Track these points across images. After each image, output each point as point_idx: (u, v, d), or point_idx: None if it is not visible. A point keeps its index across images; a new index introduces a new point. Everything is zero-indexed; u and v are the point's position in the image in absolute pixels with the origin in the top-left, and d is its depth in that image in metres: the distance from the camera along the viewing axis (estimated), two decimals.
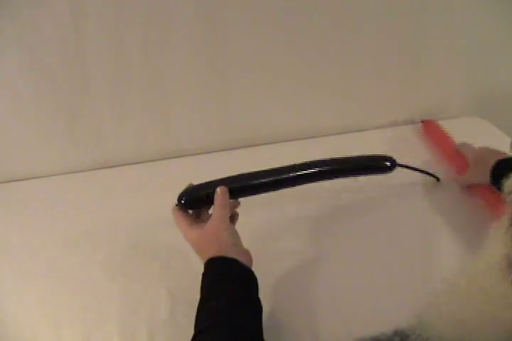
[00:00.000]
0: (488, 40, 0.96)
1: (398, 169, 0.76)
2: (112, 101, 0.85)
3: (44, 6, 0.71)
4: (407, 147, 0.81)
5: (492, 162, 0.72)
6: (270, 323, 0.59)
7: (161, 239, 0.75)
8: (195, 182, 0.66)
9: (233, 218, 0.65)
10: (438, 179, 0.85)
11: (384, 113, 1.04)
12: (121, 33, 0.77)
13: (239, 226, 0.63)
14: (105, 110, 0.86)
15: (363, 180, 0.78)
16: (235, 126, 0.96)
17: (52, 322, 0.64)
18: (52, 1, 0.71)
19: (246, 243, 0.60)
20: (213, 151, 0.96)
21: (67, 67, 0.78)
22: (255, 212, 0.72)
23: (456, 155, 0.88)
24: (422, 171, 0.83)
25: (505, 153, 0.75)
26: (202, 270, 0.55)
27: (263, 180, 0.66)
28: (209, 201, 0.61)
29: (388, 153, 0.76)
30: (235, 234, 0.58)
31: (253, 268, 0.56)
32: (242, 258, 0.54)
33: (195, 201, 0.64)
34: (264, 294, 0.55)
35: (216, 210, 0.58)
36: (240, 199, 0.66)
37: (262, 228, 0.77)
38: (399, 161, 0.76)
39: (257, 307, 0.52)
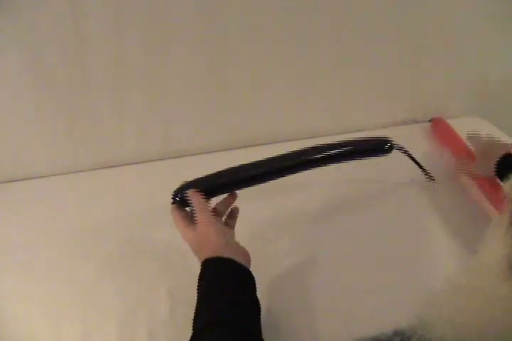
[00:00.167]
0: (488, 40, 0.96)
1: (397, 166, 0.75)
2: (111, 101, 0.85)
3: (44, 6, 0.71)
4: (408, 147, 0.81)
5: (498, 155, 0.71)
6: (270, 323, 0.59)
7: (161, 239, 0.75)
8: None
9: (232, 215, 0.64)
10: (432, 178, 0.85)
11: (384, 113, 1.04)
12: (121, 33, 0.77)
13: (237, 222, 0.63)
14: (105, 110, 0.86)
15: (363, 178, 0.77)
16: (235, 126, 0.96)
17: (52, 322, 0.64)
18: (52, 1, 0.71)
19: (244, 242, 0.60)
20: (213, 151, 0.96)
21: (67, 67, 0.78)
22: (253, 212, 0.71)
23: (468, 155, 0.88)
24: (418, 165, 0.82)
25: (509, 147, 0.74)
26: None
27: (258, 171, 0.65)
28: (205, 196, 0.61)
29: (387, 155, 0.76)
30: (226, 235, 0.58)
31: (252, 268, 0.56)
32: (238, 258, 0.54)
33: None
34: (263, 294, 0.55)
35: (198, 214, 0.58)
36: (239, 198, 0.66)
37: (260, 227, 0.77)
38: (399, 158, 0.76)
39: (254, 306, 0.52)
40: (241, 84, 0.90)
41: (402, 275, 0.68)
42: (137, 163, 0.94)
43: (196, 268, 0.58)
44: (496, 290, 0.33)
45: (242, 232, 0.61)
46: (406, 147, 0.78)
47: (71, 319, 0.64)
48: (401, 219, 0.79)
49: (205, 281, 0.53)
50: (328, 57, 0.91)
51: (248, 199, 0.67)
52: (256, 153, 0.73)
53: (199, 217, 0.58)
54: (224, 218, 0.64)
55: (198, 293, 0.52)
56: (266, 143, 0.98)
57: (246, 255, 0.57)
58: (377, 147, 0.73)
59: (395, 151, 0.75)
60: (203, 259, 0.55)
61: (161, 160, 0.95)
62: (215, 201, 0.66)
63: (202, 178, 0.64)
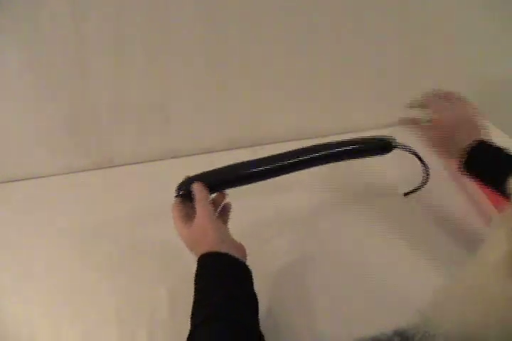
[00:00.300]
0: (488, 41, 0.96)
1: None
2: (112, 101, 0.85)
3: (44, 6, 0.71)
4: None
5: (466, 140, 0.65)
6: (270, 323, 0.59)
7: (161, 239, 0.75)
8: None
9: (225, 210, 0.64)
10: (428, 172, 0.84)
11: (384, 113, 1.04)
12: (121, 32, 0.77)
13: (235, 222, 0.63)
14: (105, 110, 0.86)
15: (361, 177, 0.77)
16: (235, 126, 0.96)
17: (52, 322, 0.64)
18: (52, 1, 0.71)
19: (244, 241, 0.59)
20: (213, 151, 0.97)
21: (67, 67, 0.78)
22: (249, 211, 0.71)
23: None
24: (419, 158, 0.82)
25: (479, 129, 0.68)
26: None
27: (262, 167, 0.65)
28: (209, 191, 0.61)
29: (388, 153, 0.76)
30: (222, 229, 0.58)
31: (251, 267, 0.56)
32: (234, 252, 0.54)
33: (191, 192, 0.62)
34: (263, 293, 0.55)
35: (198, 208, 0.58)
36: (236, 197, 0.66)
37: (258, 226, 0.77)
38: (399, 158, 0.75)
39: (252, 300, 0.52)
40: (241, 84, 0.90)
41: (402, 275, 0.68)
42: (137, 163, 0.94)
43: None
44: (501, 287, 0.33)
45: (239, 230, 0.61)
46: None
47: (71, 319, 0.64)
48: (400, 217, 0.79)
49: (201, 276, 0.53)
50: (328, 57, 0.91)
51: (244, 198, 0.67)
52: (256, 153, 0.73)
53: (199, 210, 0.57)
54: (216, 214, 0.64)
55: (195, 289, 0.52)
56: (266, 143, 0.98)
57: (242, 249, 0.57)
58: (380, 146, 0.72)
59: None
60: (199, 255, 0.55)
61: (161, 160, 0.95)
62: None
63: (206, 173, 0.64)
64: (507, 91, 1.07)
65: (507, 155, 0.64)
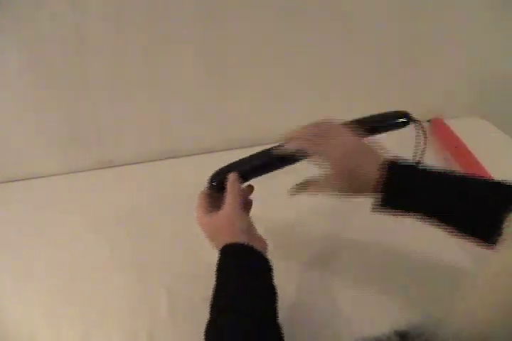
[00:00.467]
0: (488, 40, 0.96)
1: None
2: (112, 101, 0.85)
3: (44, 6, 0.71)
4: (407, 147, 0.81)
5: (372, 167, 0.53)
6: None
7: (161, 238, 0.75)
8: (194, 183, 0.66)
9: (247, 206, 0.64)
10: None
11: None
12: (121, 32, 0.77)
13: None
14: (105, 110, 0.86)
15: None
16: (235, 126, 0.96)
17: (52, 322, 0.64)
18: (52, 1, 0.71)
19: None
20: (213, 151, 0.97)
21: (67, 67, 0.78)
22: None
23: (469, 157, 0.88)
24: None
25: (378, 152, 0.56)
26: (202, 270, 0.55)
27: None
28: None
29: (389, 153, 0.76)
30: (247, 221, 0.58)
31: None
32: (256, 245, 0.54)
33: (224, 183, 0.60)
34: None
35: (229, 198, 0.58)
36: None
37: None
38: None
39: (272, 293, 0.52)
40: (241, 85, 0.90)
41: (402, 275, 0.68)
42: (137, 163, 0.94)
43: (197, 268, 0.58)
44: None
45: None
46: (405, 147, 0.78)
47: (71, 319, 0.64)
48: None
49: (223, 267, 0.53)
50: (327, 57, 0.91)
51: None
52: None
53: (230, 199, 0.57)
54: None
55: (217, 280, 0.52)
56: (266, 143, 0.98)
57: (264, 243, 0.57)
58: (396, 119, 0.70)
59: None
60: (221, 244, 0.54)
61: (161, 160, 0.95)
62: None
63: (235, 163, 0.63)
64: (507, 91, 1.07)
65: (438, 173, 0.54)
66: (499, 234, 0.48)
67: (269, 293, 0.52)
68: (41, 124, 0.85)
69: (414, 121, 0.72)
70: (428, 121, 1.04)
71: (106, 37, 0.77)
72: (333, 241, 0.75)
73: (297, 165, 0.62)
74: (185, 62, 0.83)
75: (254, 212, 0.63)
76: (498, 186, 0.52)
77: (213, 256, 0.55)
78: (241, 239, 0.54)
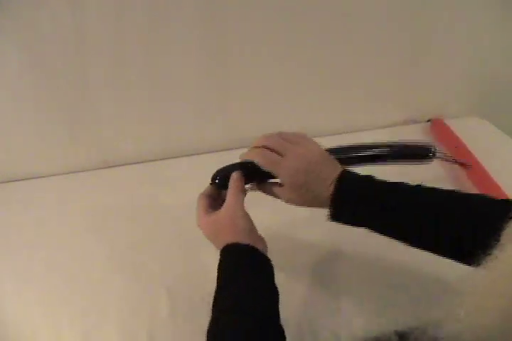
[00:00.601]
0: (488, 40, 0.96)
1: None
2: (112, 101, 0.85)
3: (44, 6, 0.71)
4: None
5: (320, 183, 0.53)
6: None
7: (161, 238, 0.75)
8: (194, 183, 0.66)
9: None
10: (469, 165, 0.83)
11: (384, 113, 1.04)
12: (121, 32, 0.77)
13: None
14: (105, 110, 0.86)
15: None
16: (235, 126, 0.96)
17: (52, 322, 0.64)
18: (52, 1, 0.71)
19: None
20: (213, 151, 0.97)
21: (67, 67, 0.78)
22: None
23: (469, 157, 0.88)
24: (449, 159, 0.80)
25: (335, 164, 0.56)
26: (202, 270, 0.56)
27: None
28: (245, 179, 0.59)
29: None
30: (250, 220, 0.57)
31: None
32: (258, 245, 0.54)
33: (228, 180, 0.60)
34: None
35: (231, 196, 0.57)
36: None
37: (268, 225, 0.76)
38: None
39: (274, 293, 0.52)
40: (241, 84, 0.90)
41: (403, 275, 0.68)
42: (137, 163, 0.94)
43: (197, 268, 0.58)
44: None
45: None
46: None
47: (71, 319, 0.64)
48: None
49: (225, 268, 0.53)
50: (327, 57, 0.91)
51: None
52: None
53: (232, 198, 0.56)
54: None
55: (218, 278, 0.52)
56: None
57: (264, 243, 0.57)
58: (423, 153, 0.68)
59: None
60: (222, 244, 0.54)
61: (161, 160, 0.95)
62: None
63: (241, 163, 0.61)
64: (507, 91, 1.07)
65: (390, 188, 0.53)
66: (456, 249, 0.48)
67: (271, 293, 0.52)
68: (41, 124, 0.85)
69: (440, 157, 0.71)
70: (428, 120, 1.04)
71: (106, 37, 0.77)
72: (331, 241, 0.75)
73: None
74: (185, 62, 0.83)
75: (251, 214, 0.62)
76: (466, 201, 0.51)
77: (213, 256, 0.54)
78: (243, 238, 0.53)
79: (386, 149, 0.65)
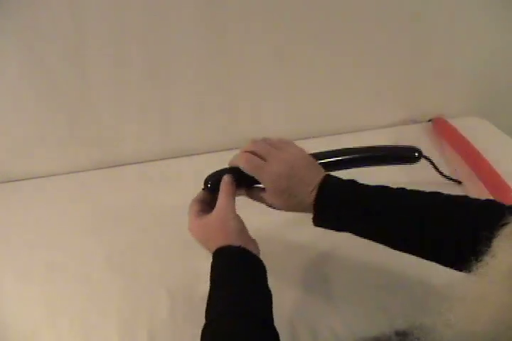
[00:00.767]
0: (488, 40, 0.96)
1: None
2: (112, 101, 0.85)
3: (44, 6, 0.71)
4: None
5: (303, 188, 0.53)
6: None
7: (161, 238, 0.75)
8: (195, 183, 0.66)
9: None
10: (459, 182, 0.85)
11: (384, 113, 1.04)
12: (121, 32, 0.77)
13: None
14: (105, 110, 0.86)
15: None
16: (235, 126, 0.96)
17: (52, 322, 0.64)
18: (52, 1, 0.71)
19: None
20: (213, 151, 0.97)
21: (67, 67, 0.78)
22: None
23: (475, 156, 0.88)
24: (441, 173, 0.82)
25: (319, 168, 0.57)
26: (202, 270, 0.55)
27: None
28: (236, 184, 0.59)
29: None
30: (241, 223, 0.57)
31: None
32: (250, 247, 0.54)
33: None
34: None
35: (222, 199, 0.57)
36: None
37: (259, 226, 0.76)
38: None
39: (267, 295, 0.52)
40: (241, 84, 0.90)
41: (403, 275, 0.68)
42: (137, 163, 0.94)
43: (197, 268, 0.58)
44: (509, 299, 0.32)
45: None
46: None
47: (71, 319, 0.64)
48: None
49: (217, 270, 0.53)
50: (327, 57, 0.91)
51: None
52: None
53: (223, 201, 0.56)
54: None
55: (211, 283, 0.52)
56: None
57: (256, 244, 0.57)
58: (407, 155, 0.71)
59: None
60: (214, 247, 0.54)
61: (161, 160, 0.95)
62: None
63: (233, 167, 0.62)
64: (507, 91, 1.07)
65: (372, 193, 0.53)
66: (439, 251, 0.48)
67: (264, 295, 0.52)
68: (41, 124, 0.85)
69: (425, 157, 0.73)
70: (429, 120, 1.04)
71: (106, 37, 0.77)
72: (325, 242, 0.74)
73: None
74: (185, 62, 0.83)
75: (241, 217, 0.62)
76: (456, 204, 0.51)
77: None
78: (234, 240, 0.53)
79: (369, 153, 0.67)
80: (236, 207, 0.57)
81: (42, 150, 0.88)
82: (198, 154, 0.96)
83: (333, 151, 0.65)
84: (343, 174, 0.58)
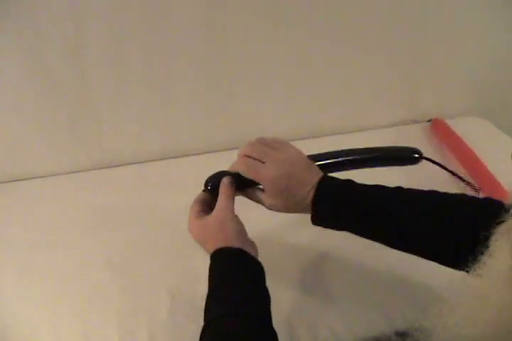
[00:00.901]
0: (488, 40, 0.96)
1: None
2: (112, 101, 0.85)
3: (44, 6, 0.71)
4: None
5: (301, 189, 0.54)
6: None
7: (161, 238, 0.75)
8: (195, 183, 0.66)
9: None
10: (463, 179, 0.83)
11: (384, 113, 1.04)
12: (121, 32, 0.77)
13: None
14: (105, 110, 0.86)
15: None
16: (236, 126, 0.96)
17: (52, 322, 0.64)
18: (52, 1, 0.71)
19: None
20: (213, 151, 0.97)
21: (67, 67, 0.78)
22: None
23: (472, 158, 0.88)
24: (446, 169, 0.81)
25: (317, 169, 0.57)
26: (202, 270, 0.55)
27: None
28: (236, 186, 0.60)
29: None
30: (240, 224, 0.57)
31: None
32: (248, 248, 0.54)
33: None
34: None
35: (221, 201, 0.57)
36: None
37: (259, 227, 0.76)
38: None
39: (265, 296, 0.52)
40: (241, 85, 0.90)
41: (403, 275, 0.68)
42: (137, 163, 0.94)
43: (197, 268, 0.58)
44: (509, 299, 0.32)
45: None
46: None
47: (71, 319, 0.64)
48: None
49: (215, 272, 0.53)
50: (327, 57, 0.91)
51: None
52: None
53: (222, 202, 0.56)
54: None
55: (210, 284, 0.52)
56: None
57: (254, 245, 0.57)
58: (406, 156, 0.70)
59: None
60: (212, 248, 0.54)
61: (161, 160, 0.95)
62: None
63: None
64: (507, 91, 1.07)
65: (371, 193, 0.54)
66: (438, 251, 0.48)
67: (262, 296, 0.52)
68: (41, 124, 0.85)
69: (427, 158, 0.71)
70: (428, 120, 1.04)
71: (106, 37, 0.77)
72: (330, 241, 0.75)
73: None
74: (185, 62, 0.83)
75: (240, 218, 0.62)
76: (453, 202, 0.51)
77: None
78: (233, 242, 0.53)
79: (368, 154, 0.67)
80: (235, 209, 0.57)
81: (42, 150, 0.88)
82: (198, 154, 0.96)
83: (332, 153, 0.66)
84: (342, 174, 0.58)
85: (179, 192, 0.67)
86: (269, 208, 0.58)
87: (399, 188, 0.54)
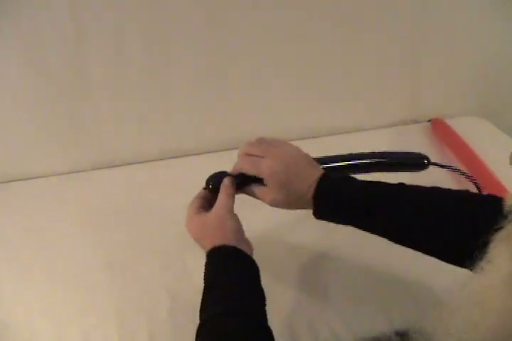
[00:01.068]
0: (488, 40, 0.96)
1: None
2: (111, 101, 0.85)
3: (44, 7, 0.71)
4: (408, 147, 0.81)
5: (302, 183, 0.54)
6: (269, 323, 0.59)
7: (161, 238, 0.75)
8: (194, 183, 0.66)
9: None
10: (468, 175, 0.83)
11: (384, 112, 1.04)
12: (121, 33, 0.77)
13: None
14: (105, 110, 0.86)
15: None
16: (236, 126, 0.96)
17: (52, 322, 0.64)
18: (52, 2, 0.71)
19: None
20: (213, 151, 0.97)
21: (67, 67, 0.78)
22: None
23: (472, 158, 0.88)
24: (457, 170, 0.81)
25: (317, 165, 0.58)
26: (202, 270, 0.55)
27: None
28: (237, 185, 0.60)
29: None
30: (239, 223, 0.57)
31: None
32: (244, 247, 0.54)
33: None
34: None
35: (222, 199, 0.58)
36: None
37: (259, 226, 0.76)
38: None
39: (261, 295, 0.52)
40: (241, 84, 0.90)
41: (403, 275, 0.68)
42: (137, 163, 0.94)
43: (197, 269, 0.58)
44: (509, 305, 0.32)
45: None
46: (406, 147, 0.78)
47: (71, 319, 0.64)
48: None
49: (211, 270, 0.53)
50: (328, 57, 0.91)
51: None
52: None
53: (222, 201, 0.57)
54: None
55: (206, 282, 0.52)
56: None
57: (250, 246, 0.57)
58: (415, 161, 0.70)
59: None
60: (209, 245, 0.54)
61: (160, 160, 0.95)
62: None
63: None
64: (507, 91, 1.07)
65: (372, 188, 0.54)
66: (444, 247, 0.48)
67: (260, 296, 0.52)
68: (41, 124, 0.85)
69: (435, 164, 0.71)
70: (428, 121, 1.04)
71: (106, 37, 0.77)
72: (330, 241, 0.75)
73: None
74: (185, 62, 0.84)
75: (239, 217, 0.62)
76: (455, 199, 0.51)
77: None
78: (230, 241, 0.54)
79: (376, 159, 0.67)
80: (235, 208, 0.58)
81: (42, 151, 0.88)
82: (197, 154, 0.96)
83: (339, 156, 0.66)
84: None
85: (179, 192, 0.67)
86: (271, 204, 0.58)
87: (400, 185, 0.54)
